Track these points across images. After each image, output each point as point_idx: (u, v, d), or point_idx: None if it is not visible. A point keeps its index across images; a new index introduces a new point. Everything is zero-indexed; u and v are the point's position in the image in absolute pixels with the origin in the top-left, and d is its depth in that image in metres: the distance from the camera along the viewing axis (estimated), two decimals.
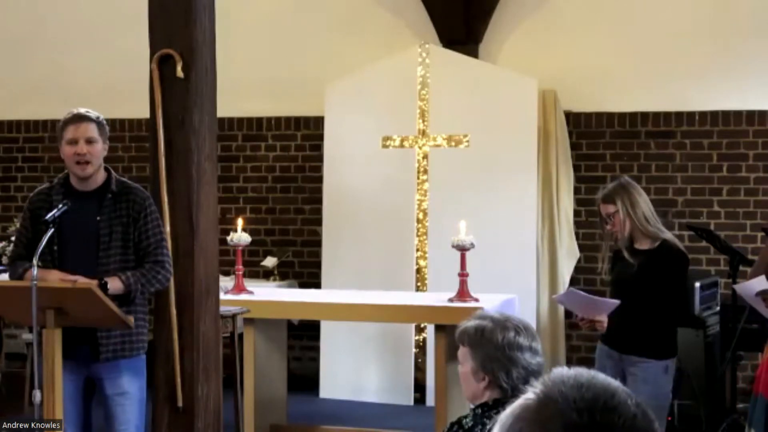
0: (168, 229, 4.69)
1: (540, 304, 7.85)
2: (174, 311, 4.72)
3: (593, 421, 1.25)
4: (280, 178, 8.75)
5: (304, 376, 8.39)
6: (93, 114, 4.50)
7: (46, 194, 4.50)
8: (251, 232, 7.08)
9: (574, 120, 8.10)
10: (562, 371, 1.33)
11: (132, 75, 6.43)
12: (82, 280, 4.22)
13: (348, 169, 8.00)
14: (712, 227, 7.50)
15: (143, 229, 4.44)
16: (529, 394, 1.31)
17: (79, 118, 4.44)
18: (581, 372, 1.32)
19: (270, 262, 8.42)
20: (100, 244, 4.41)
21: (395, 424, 6.97)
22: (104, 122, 4.55)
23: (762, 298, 5.13)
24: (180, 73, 4.69)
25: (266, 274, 8.49)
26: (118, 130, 8.98)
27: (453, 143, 7.78)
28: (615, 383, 1.31)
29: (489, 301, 6.00)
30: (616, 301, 4.80)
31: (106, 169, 4.55)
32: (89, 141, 4.42)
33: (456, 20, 8.20)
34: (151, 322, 4.87)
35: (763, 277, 5.13)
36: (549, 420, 1.26)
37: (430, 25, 8.29)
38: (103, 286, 4.26)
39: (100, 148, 4.47)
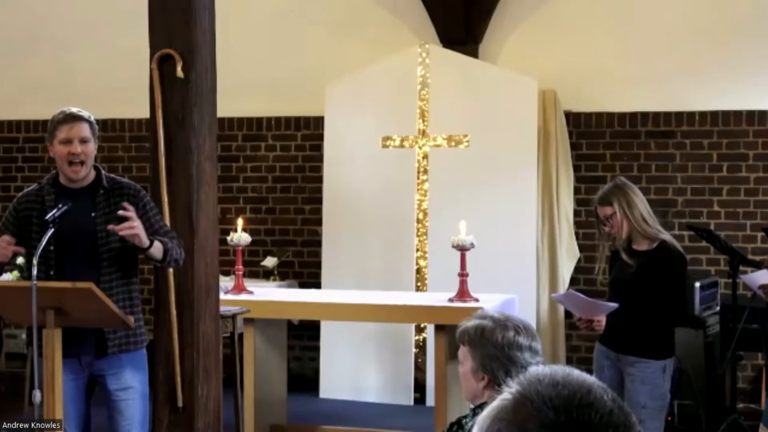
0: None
1: (540, 304, 7.85)
2: (174, 311, 4.73)
3: (570, 419, 1.25)
4: (280, 178, 8.75)
5: (304, 376, 8.40)
6: (85, 114, 4.49)
7: (36, 195, 4.48)
8: (251, 232, 7.08)
9: (574, 120, 8.10)
10: (538, 370, 1.32)
11: (132, 75, 6.44)
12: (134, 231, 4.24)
13: (348, 169, 8.00)
14: (712, 227, 7.50)
15: (144, 219, 4.39)
16: (506, 395, 1.30)
17: (72, 118, 4.43)
18: (556, 369, 1.31)
19: (270, 262, 8.42)
20: (98, 240, 4.39)
21: (395, 424, 6.98)
22: (95, 122, 4.52)
23: (764, 292, 5.18)
24: (180, 73, 4.70)
25: (266, 274, 8.49)
26: (118, 130, 9.00)
27: (453, 143, 7.78)
28: (591, 379, 1.31)
29: (489, 301, 6.00)
30: (615, 305, 4.79)
31: (95, 167, 4.54)
32: (83, 141, 4.41)
33: (456, 20, 8.20)
34: (151, 322, 4.88)
35: (765, 271, 5.19)
36: (526, 420, 1.26)
37: (430, 25, 8.30)
38: (150, 244, 4.30)
39: (93, 148, 4.46)
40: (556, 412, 1.25)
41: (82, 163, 4.40)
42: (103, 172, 4.52)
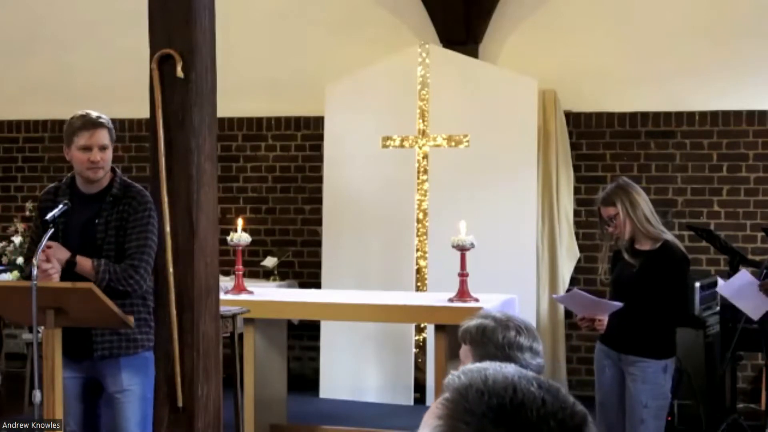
0: (168, 229, 4.68)
1: (540, 304, 7.85)
2: (174, 311, 4.72)
3: (511, 427, 1.20)
4: (280, 178, 8.75)
5: (304, 376, 8.40)
6: (104, 119, 4.48)
7: (53, 194, 4.51)
8: (251, 232, 7.08)
9: (574, 120, 8.10)
10: (455, 382, 1.26)
11: (132, 75, 6.44)
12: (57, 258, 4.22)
13: (348, 169, 8.00)
14: (712, 227, 7.50)
15: (129, 232, 4.40)
16: (435, 420, 1.24)
17: (93, 125, 4.41)
18: (473, 375, 1.26)
19: (270, 262, 8.42)
20: (97, 248, 4.39)
21: (395, 424, 6.97)
22: (112, 126, 4.54)
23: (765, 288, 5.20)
24: (180, 73, 4.69)
25: (266, 274, 8.49)
26: (118, 130, 8.88)
27: (453, 143, 7.78)
28: (510, 372, 1.26)
29: (489, 301, 6.00)
30: (620, 304, 4.79)
31: (112, 170, 4.54)
32: (102, 148, 4.41)
33: (456, 20, 8.20)
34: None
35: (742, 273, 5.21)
36: None
37: (430, 25, 8.30)
38: (72, 262, 4.27)
39: (110, 154, 4.47)
40: (495, 425, 1.20)
41: (100, 168, 4.41)
42: (117, 177, 4.50)
